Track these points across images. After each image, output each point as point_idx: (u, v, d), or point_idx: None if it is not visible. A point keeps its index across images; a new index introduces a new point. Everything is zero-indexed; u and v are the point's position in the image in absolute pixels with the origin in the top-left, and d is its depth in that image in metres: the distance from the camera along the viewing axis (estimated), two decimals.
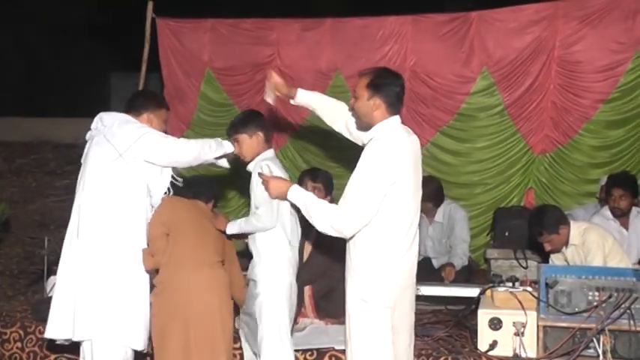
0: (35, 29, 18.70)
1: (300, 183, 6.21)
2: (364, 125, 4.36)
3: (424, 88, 8.22)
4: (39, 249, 7.04)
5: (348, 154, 8.21)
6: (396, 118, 4.26)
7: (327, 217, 4.08)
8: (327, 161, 8.29)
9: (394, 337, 4.17)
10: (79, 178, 4.86)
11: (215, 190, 5.50)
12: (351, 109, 4.42)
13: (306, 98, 4.89)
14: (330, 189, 6.13)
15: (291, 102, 4.93)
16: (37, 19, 18.65)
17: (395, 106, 4.24)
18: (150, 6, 8.60)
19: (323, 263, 6.02)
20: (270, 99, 5.01)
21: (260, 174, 4.58)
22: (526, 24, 7.96)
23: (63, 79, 18.69)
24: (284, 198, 4.33)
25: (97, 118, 4.90)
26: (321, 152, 8.59)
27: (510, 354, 5.05)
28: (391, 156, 4.06)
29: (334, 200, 5.67)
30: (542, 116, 8.00)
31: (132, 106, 4.97)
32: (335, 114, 4.82)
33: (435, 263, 7.38)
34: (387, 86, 4.20)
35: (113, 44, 18.09)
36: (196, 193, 5.24)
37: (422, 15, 8.30)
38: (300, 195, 4.25)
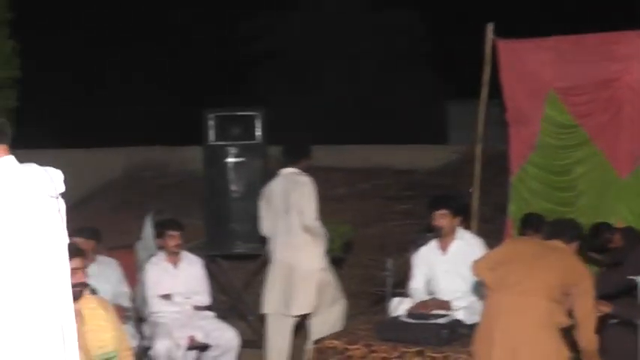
0: (367, 60, 20.29)
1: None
2: None
3: None
4: (379, 271, 7.00)
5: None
6: None
7: None
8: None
9: None
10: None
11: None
12: None
13: None
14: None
15: None
16: (370, 51, 20.40)
17: None
18: (490, 27, 8.46)
19: None
20: None
21: None
22: None
23: (399, 106, 19.48)
24: None
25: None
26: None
27: None
28: None
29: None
30: None
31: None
32: None
33: None
34: None
35: (449, 71, 18.78)
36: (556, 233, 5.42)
37: None
38: None
